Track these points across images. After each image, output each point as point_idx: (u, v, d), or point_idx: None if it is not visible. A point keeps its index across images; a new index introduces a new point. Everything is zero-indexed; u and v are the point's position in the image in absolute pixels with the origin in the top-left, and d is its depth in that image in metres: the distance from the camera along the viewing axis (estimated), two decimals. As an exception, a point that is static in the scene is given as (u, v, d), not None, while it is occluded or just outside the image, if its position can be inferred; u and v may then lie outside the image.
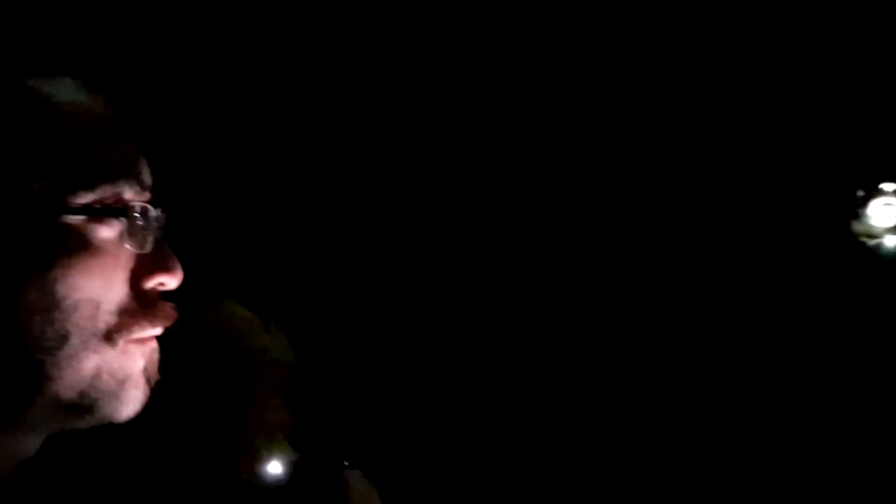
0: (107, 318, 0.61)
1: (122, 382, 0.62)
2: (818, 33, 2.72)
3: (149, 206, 0.65)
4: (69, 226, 0.60)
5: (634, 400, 2.70)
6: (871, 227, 2.75)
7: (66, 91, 0.65)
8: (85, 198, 0.61)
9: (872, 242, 2.75)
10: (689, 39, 2.77)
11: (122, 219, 0.63)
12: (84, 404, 0.61)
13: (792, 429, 2.66)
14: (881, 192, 2.74)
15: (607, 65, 2.79)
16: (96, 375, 0.60)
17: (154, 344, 0.66)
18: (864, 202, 2.75)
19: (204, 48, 2.47)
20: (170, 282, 0.66)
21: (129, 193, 0.64)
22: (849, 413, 2.63)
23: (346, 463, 1.41)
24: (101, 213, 0.61)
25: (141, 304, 0.64)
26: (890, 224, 2.73)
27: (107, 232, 0.62)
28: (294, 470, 1.35)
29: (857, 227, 2.77)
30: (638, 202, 2.85)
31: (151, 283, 0.65)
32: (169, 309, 0.66)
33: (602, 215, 2.82)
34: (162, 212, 0.66)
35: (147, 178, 0.67)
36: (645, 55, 2.78)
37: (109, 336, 0.61)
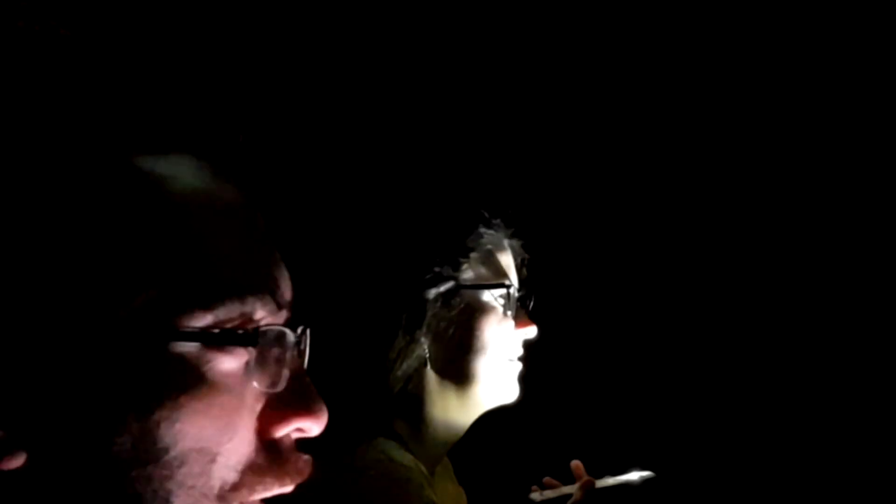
0: (223, 474, 0.46)
1: None
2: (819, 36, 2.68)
3: (286, 330, 0.49)
4: (180, 355, 0.44)
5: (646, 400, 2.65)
6: None
7: (184, 173, 0.48)
8: (203, 319, 0.45)
9: None
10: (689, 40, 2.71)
11: (251, 347, 0.47)
12: None
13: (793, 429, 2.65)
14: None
15: (608, 65, 2.71)
16: None
17: None
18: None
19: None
20: (311, 427, 0.50)
21: (261, 312, 0.48)
22: (849, 413, 2.62)
23: None
24: (222, 339, 0.45)
25: (269, 457, 0.48)
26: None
27: (229, 364, 0.46)
28: None
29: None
30: (641, 202, 2.79)
31: (285, 430, 0.49)
32: (303, 462, 0.50)
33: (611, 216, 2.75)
34: (303, 334, 0.49)
35: (287, 292, 0.50)
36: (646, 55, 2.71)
37: (224, 497, 0.46)
